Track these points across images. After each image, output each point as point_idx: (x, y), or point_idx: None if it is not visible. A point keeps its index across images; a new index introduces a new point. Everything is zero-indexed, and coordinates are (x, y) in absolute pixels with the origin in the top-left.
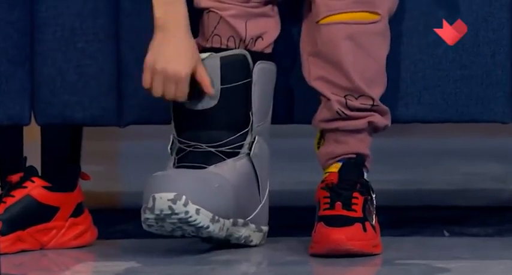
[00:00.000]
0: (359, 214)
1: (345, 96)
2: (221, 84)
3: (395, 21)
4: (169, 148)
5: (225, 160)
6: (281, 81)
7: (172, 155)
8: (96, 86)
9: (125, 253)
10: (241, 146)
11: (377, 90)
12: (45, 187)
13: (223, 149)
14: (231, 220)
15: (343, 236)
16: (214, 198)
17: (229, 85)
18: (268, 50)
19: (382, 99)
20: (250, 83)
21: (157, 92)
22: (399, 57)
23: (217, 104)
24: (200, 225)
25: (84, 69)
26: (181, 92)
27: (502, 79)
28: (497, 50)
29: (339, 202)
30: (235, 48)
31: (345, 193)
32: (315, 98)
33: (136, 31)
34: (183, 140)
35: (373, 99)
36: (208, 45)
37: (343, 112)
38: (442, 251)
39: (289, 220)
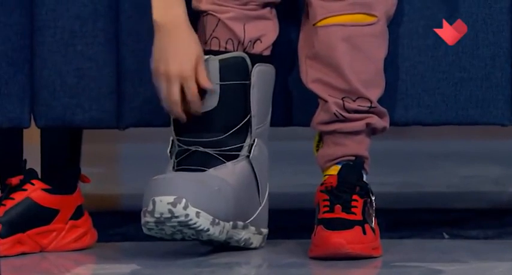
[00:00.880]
0: (358, 216)
1: (342, 99)
2: (220, 87)
3: (395, 23)
4: (168, 150)
5: (224, 162)
6: (280, 83)
7: (171, 158)
8: (96, 88)
9: (125, 256)
10: (240, 149)
11: (375, 92)
12: (45, 190)
13: (222, 151)
14: (231, 223)
15: (343, 240)
16: (214, 201)
17: (228, 87)
18: (267, 53)
19: (381, 101)
20: (248, 85)
21: (173, 97)
22: (398, 60)
23: (216, 107)
24: (200, 228)
25: (84, 72)
26: (192, 92)
27: (501, 82)
28: (496, 52)
29: (338, 205)
30: (234, 50)
31: (345, 196)
32: (313, 101)
33: (136, 34)
34: (183, 143)
35: (370, 101)
36: (206, 48)
37: (341, 114)
38: (441, 254)
39: (289, 223)
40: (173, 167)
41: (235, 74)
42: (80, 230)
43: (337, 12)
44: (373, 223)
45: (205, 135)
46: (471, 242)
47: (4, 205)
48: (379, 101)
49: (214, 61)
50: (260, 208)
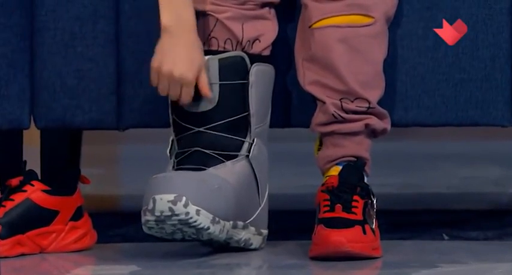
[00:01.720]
0: (359, 216)
1: (340, 100)
2: (219, 86)
3: (394, 24)
4: (168, 151)
5: (224, 162)
6: (278, 84)
7: (171, 158)
8: (95, 89)
9: (125, 257)
10: (240, 148)
11: (374, 93)
12: (44, 191)
13: (222, 151)
14: (231, 222)
15: (343, 238)
16: (214, 199)
17: (228, 87)
18: (266, 53)
19: (381, 102)
20: (247, 84)
21: (163, 91)
22: (398, 61)
23: (215, 106)
24: (201, 226)
25: (84, 73)
26: (187, 95)
27: (501, 83)
28: (496, 53)
29: (339, 205)
30: (233, 50)
31: (345, 196)
32: (311, 102)
33: (136, 35)
34: (182, 143)
35: (369, 102)
36: (205, 47)
37: (339, 115)
38: (441, 255)
39: (289, 224)
40: (173, 167)
41: (234, 73)
42: (80, 231)
43: (333, 14)
44: (374, 225)
45: (205, 135)
46: (471, 243)
47: (4, 206)
48: (379, 102)
49: (214, 60)
50: (260, 208)
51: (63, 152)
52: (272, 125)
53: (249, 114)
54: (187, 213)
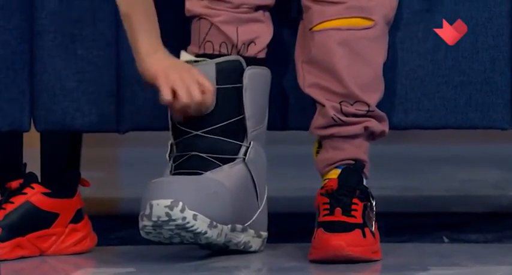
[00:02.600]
0: (359, 219)
1: (339, 103)
2: (216, 90)
3: (394, 27)
4: (167, 155)
5: (220, 165)
6: (275, 87)
7: (170, 162)
8: (95, 92)
9: (125, 260)
10: (237, 152)
11: (373, 96)
12: (44, 194)
13: (219, 155)
14: (229, 226)
15: (343, 242)
16: (211, 204)
17: (223, 91)
18: (262, 55)
19: (381, 105)
20: (241, 88)
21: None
22: (398, 64)
23: (212, 110)
24: (198, 231)
25: (84, 76)
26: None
27: (501, 85)
28: (496, 56)
29: (338, 208)
30: (228, 54)
31: (345, 199)
32: (310, 105)
33: None
34: (180, 148)
35: (368, 105)
36: (200, 51)
37: (338, 118)
38: (441, 258)
39: (289, 227)
40: (170, 171)
41: (230, 77)
42: (80, 234)
43: (333, 17)
44: (373, 227)
45: (202, 138)
46: (471, 246)
47: (4, 208)
48: (379, 105)
49: (211, 65)
50: (259, 210)
51: (63, 155)
52: (269, 127)
53: (244, 118)
54: (184, 218)
